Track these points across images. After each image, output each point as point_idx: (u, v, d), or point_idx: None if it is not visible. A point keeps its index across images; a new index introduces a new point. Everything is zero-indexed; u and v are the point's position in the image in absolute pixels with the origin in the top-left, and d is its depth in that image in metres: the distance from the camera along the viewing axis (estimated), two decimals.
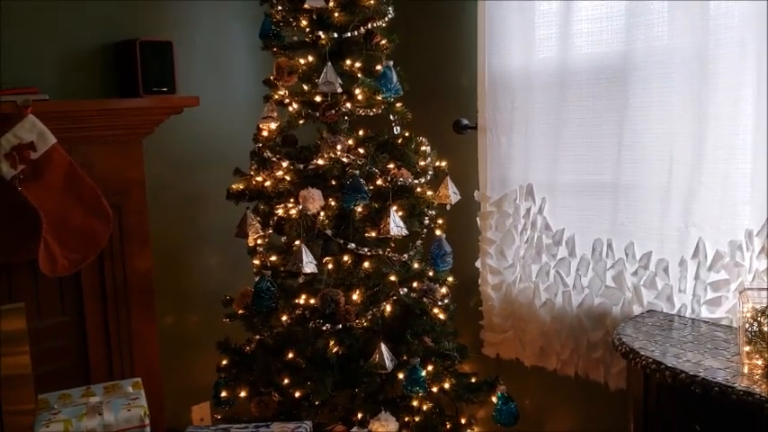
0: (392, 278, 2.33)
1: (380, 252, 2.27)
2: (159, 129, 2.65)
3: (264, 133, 2.39)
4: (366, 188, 2.20)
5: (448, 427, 2.52)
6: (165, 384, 2.76)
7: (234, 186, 2.44)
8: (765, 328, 1.76)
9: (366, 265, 2.27)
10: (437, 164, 2.46)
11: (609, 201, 2.32)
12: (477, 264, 2.75)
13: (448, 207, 2.45)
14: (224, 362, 2.52)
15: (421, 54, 2.90)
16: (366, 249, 2.25)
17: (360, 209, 2.31)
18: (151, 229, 2.68)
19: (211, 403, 2.74)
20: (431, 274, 2.39)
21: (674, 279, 2.17)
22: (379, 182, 2.26)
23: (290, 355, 2.33)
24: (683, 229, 2.13)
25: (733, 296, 2.04)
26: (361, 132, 2.45)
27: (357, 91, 2.28)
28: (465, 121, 2.76)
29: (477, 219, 2.73)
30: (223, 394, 2.52)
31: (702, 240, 2.09)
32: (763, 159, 1.95)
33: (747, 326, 1.77)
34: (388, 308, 2.25)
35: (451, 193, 2.44)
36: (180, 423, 2.87)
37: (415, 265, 2.42)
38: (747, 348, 1.76)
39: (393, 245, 2.31)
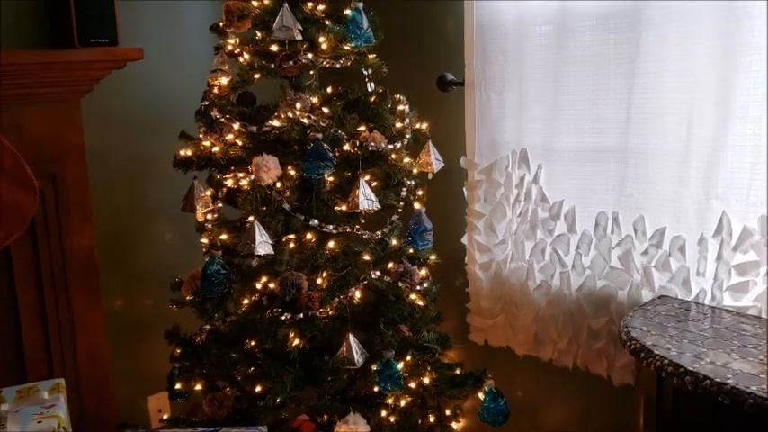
0: (366, 257, 2.02)
1: (348, 230, 1.94)
2: (99, 86, 2.31)
3: (216, 90, 2.05)
4: (331, 154, 1.87)
5: (431, 420, 2.23)
6: (119, 374, 2.47)
7: (181, 152, 2.10)
8: None
9: (331, 245, 1.94)
10: (417, 126, 2.13)
11: (615, 168, 1.99)
12: (464, 240, 2.44)
13: (430, 176, 2.14)
14: (178, 350, 2.22)
15: None
16: (331, 227, 1.92)
17: (331, 178, 2.00)
18: (93, 201, 2.36)
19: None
20: (411, 251, 2.08)
21: (692, 260, 1.86)
22: (346, 147, 1.92)
23: (248, 347, 2.03)
24: (703, 201, 1.81)
25: (763, 281, 1.73)
26: (329, 89, 2.12)
27: (321, 39, 1.93)
28: (450, 77, 2.42)
29: (464, 189, 2.41)
30: (177, 386, 2.23)
31: (727, 215, 1.77)
32: None
33: None
34: (358, 294, 1.94)
35: (434, 160, 2.11)
36: (136, 415, 2.59)
37: (394, 242, 2.11)
38: None
39: (363, 221, 1.99)
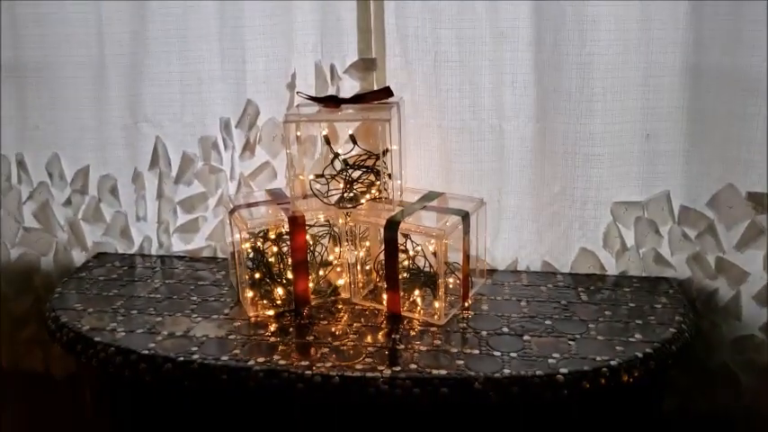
0: None
1: None
2: None
3: None
4: None
5: None
6: None
7: None
8: (272, 259, 1.23)
9: None
10: None
11: (5, 91, 1.42)
12: None
13: None
14: None
15: None
16: None
17: None
18: None
19: None
20: None
21: (129, 203, 1.46)
22: None
23: None
24: (131, 126, 1.41)
25: (213, 214, 1.45)
26: None
27: None
28: None
29: None
30: None
31: (162, 140, 1.41)
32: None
33: (249, 263, 1.20)
34: None
35: None
36: None
37: None
38: (251, 294, 1.20)
39: None
